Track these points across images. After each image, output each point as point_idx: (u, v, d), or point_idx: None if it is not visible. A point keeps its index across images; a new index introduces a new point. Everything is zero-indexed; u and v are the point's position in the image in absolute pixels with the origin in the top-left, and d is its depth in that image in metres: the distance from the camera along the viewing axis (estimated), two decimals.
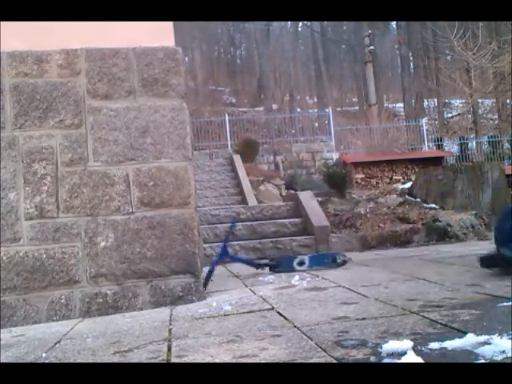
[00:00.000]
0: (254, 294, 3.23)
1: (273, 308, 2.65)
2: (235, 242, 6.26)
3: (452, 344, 1.61)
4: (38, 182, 3.05)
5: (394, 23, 25.70)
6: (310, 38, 29.06)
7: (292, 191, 8.82)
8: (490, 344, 1.56)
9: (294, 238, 6.35)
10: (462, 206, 7.40)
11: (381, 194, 8.97)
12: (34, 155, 3.06)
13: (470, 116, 18.02)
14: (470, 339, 1.62)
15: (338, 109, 24.71)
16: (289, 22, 29.66)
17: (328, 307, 2.55)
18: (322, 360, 1.62)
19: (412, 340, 1.66)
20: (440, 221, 6.49)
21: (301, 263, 4.24)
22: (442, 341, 1.64)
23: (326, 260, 4.34)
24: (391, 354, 1.58)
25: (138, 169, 3.15)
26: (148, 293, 3.07)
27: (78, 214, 3.06)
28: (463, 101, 19.05)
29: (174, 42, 3.30)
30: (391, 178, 12.07)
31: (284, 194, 8.98)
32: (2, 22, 2.96)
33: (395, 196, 8.65)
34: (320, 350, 1.74)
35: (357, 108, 26.26)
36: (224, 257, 4.13)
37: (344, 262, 4.27)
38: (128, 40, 3.17)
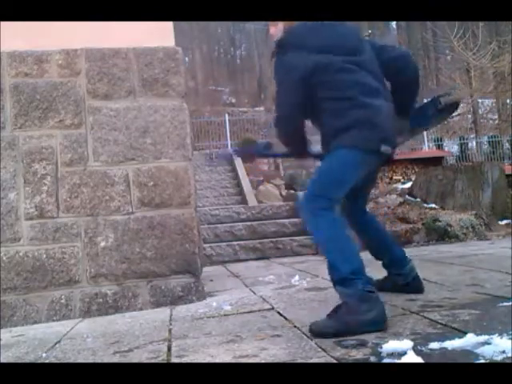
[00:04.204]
0: (254, 294, 3.23)
1: (273, 308, 2.65)
2: (235, 242, 6.27)
3: (452, 344, 1.61)
4: (37, 182, 3.05)
5: (393, 23, 25.70)
6: None
7: (292, 191, 8.81)
8: (489, 344, 1.55)
9: (294, 237, 6.35)
10: (462, 206, 7.40)
11: (381, 194, 8.97)
12: (34, 155, 3.06)
13: (469, 116, 18.02)
14: (470, 339, 1.61)
15: None
16: None
17: (328, 307, 2.53)
18: (322, 360, 1.62)
19: (412, 340, 1.66)
20: (440, 221, 6.50)
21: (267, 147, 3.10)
22: (442, 341, 1.64)
23: None
24: (391, 354, 1.58)
25: (138, 169, 3.15)
26: (148, 293, 3.07)
27: (77, 214, 3.06)
28: (463, 101, 19.03)
29: (174, 42, 3.30)
30: (391, 178, 12.08)
31: (284, 194, 8.98)
32: (2, 22, 2.96)
33: (395, 196, 8.66)
34: (320, 350, 1.74)
35: None
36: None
37: None
38: (128, 40, 3.17)
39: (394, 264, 2.66)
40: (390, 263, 2.67)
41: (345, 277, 2.01)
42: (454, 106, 2.63)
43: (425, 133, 15.69)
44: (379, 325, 1.94)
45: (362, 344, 1.76)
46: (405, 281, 2.62)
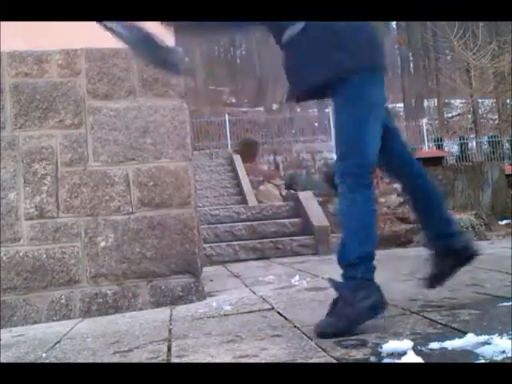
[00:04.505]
0: (254, 294, 3.23)
1: (273, 308, 2.65)
2: (235, 242, 6.27)
3: (452, 344, 1.61)
4: (38, 182, 3.05)
5: (394, 23, 25.69)
6: None
7: (292, 191, 8.82)
8: (490, 344, 1.55)
9: (294, 238, 6.35)
10: (462, 206, 7.40)
11: (381, 194, 8.97)
12: (34, 155, 3.06)
13: (469, 116, 18.02)
14: (470, 339, 1.61)
15: None
16: None
17: (328, 307, 2.54)
18: (322, 360, 1.62)
19: (412, 340, 1.66)
20: None
21: None
22: (442, 341, 1.64)
23: None
24: (391, 354, 1.58)
25: (138, 169, 3.15)
26: (148, 293, 3.07)
27: (77, 214, 3.06)
28: (463, 101, 19.06)
29: (174, 42, 3.30)
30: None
31: (284, 194, 8.98)
32: (2, 22, 2.95)
33: (395, 196, 8.65)
34: (320, 349, 1.74)
35: None
36: None
37: None
38: None
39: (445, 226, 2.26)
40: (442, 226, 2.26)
41: (350, 261, 1.94)
42: None
43: (425, 133, 15.70)
44: (378, 310, 1.89)
45: (362, 344, 1.76)
46: (461, 243, 2.23)
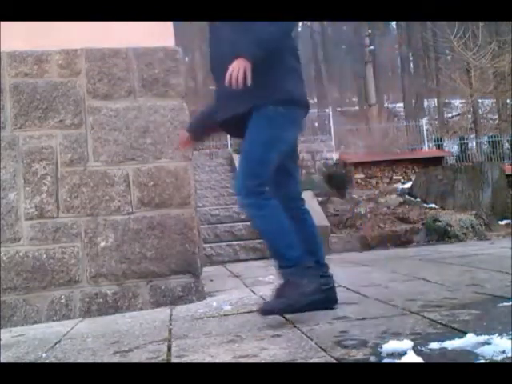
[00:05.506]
0: (254, 294, 3.23)
1: None
2: (235, 242, 6.26)
3: (452, 344, 1.61)
4: (37, 182, 3.05)
5: (394, 23, 25.71)
6: (310, 38, 29.06)
7: None
8: (490, 344, 1.55)
9: None
10: (462, 206, 7.41)
11: (381, 194, 8.98)
12: (34, 155, 3.06)
13: (469, 116, 18.02)
14: (470, 339, 1.61)
15: (338, 109, 24.71)
16: None
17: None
18: (322, 360, 1.62)
19: (412, 340, 1.66)
20: (440, 221, 6.50)
21: None
22: (442, 341, 1.64)
23: None
24: (391, 354, 1.58)
25: (138, 169, 3.15)
26: (148, 293, 3.07)
27: (78, 214, 3.06)
28: (463, 101, 19.06)
29: (174, 42, 3.30)
30: (391, 178, 12.07)
31: None
32: (2, 22, 2.95)
33: (395, 196, 8.66)
34: (320, 350, 1.74)
35: (357, 108, 26.26)
36: None
37: None
38: (128, 40, 3.17)
39: (319, 265, 2.47)
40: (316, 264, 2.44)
41: (293, 264, 2.18)
42: None
43: (425, 133, 15.69)
44: (319, 294, 2.21)
45: (362, 344, 1.76)
46: (327, 285, 2.41)
